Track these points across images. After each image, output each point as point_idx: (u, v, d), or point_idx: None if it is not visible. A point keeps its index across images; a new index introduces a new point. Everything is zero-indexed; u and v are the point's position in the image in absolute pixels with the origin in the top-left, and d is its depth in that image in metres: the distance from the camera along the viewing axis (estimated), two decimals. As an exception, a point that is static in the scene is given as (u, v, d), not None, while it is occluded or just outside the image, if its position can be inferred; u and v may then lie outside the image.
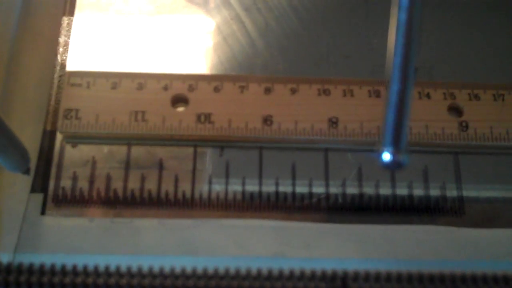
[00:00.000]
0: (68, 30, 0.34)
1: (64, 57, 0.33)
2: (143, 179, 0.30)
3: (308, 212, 0.30)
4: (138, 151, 0.30)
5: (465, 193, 0.30)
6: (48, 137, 0.31)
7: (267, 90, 0.32)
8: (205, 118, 0.31)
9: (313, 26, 0.35)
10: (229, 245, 0.28)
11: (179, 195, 0.30)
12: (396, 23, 0.19)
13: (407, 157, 0.21)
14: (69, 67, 0.32)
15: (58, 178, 0.30)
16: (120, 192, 0.29)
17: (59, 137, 0.31)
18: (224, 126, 0.30)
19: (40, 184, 0.30)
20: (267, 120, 0.31)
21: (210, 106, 0.31)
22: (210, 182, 0.30)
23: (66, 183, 0.29)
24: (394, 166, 0.21)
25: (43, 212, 0.29)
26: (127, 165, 0.30)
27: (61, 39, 0.33)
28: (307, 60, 0.34)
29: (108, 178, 0.30)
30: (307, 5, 0.36)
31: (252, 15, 0.35)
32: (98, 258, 0.27)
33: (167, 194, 0.29)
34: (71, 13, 0.34)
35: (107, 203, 0.29)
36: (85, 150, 0.30)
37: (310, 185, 0.30)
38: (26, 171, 0.27)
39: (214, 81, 0.32)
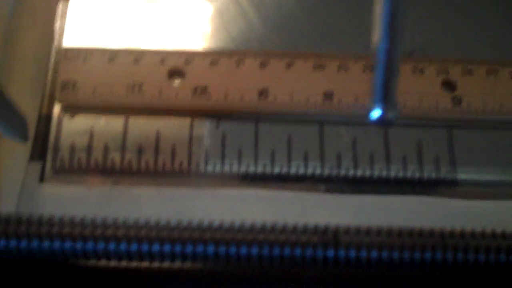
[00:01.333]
0: (65, 6, 0.34)
1: (61, 32, 0.33)
2: (140, 149, 0.30)
3: (303, 182, 0.30)
4: (135, 122, 0.31)
5: (459, 165, 0.31)
6: (46, 108, 0.31)
7: (263, 64, 0.32)
8: (201, 91, 0.31)
9: (308, 2, 0.35)
10: (225, 213, 0.29)
11: (176, 165, 0.30)
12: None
13: (396, 114, 0.21)
14: (66, 43, 0.33)
15: (56, 147, 0.30)
16: (117, 162, 0.30)
17: (57, 108, 0.31)
18: (220, 98, 0.31)
19: (38, 153, 0.30)
20: (262, 93, 0.31)
21: (206, 79, 0.31)
22: (206, 153, 0.30)
23: (64, 152, 0.30)
24: (383, 122, 0.21)
25: (41, 180, 0.29)
26: (124, 135, 0.30)
27: (58, 14, 0.34)
28: (302, 36, 0.34)
29: (106, 148, 0.30)
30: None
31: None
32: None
33: (164, 164, 0.30)
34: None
35: (105, 172, 0.29)
36: (83, 121, 0.31)
37: (306, 158, 0.30)
38: (24, 138, 0.28)
39: (210, 55, 0.32)
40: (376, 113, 0.21)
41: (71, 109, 0.31)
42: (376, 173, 0.30)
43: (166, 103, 0.31)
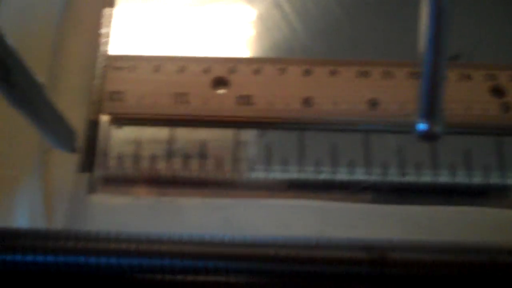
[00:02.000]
0: (110, 16, 0.35)
1: (107, 43, 0.34)
2: (186, 159, 0.30)
3: (350, 193, 0.30)
4: (181, 133, 0.31)
5: (509, 174, 0.30)
6: (94, 118, 0.31)
7: (307, 72, 0.32)
8: (245, 100, 0.31)
9: (352, 8, 0.35)
10: (271, 224, 0.29)
11: (222, 175, 0.30)
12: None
13: (443, 128, 0.21)
14: (112, 51, 0.33)
15: (104, 158, 0.30)
16: (164, 172, 0.30)
17: (104, 119, 0.31)
18: (265, 108, 0.31)
19: (87, 164, 0.30)
20: (307, 102, 0.31)
21: (250, 88, 0.31)
22: (251, 162, 0.30)
23: (112, 163, 0.30)
24: (429, 137, 0.21)
25: (90, 191, 0.30)
26: (170, 146, 0.31)
27: (104, 25, 0.34)
28: (346, 43, 0.34)
29: (152, 159, 0.30)
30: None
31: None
32: (143, 235, 0.28)
33: (209, 173, 0.30)
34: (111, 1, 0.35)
35: (152, 182, 0.30)
36: (130, 131, 0.31)
37: (352, 167, 0.30)
38: (74, 150, 0.28)
39: (254, 63, 0.32)
40: (421, 128, 0.21)
41: (118, 119, 0.31)
42: (423, 182, 0.30)
43: (211, 113, 0.31)
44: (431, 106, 0.21)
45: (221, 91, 0.31)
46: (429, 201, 0.29)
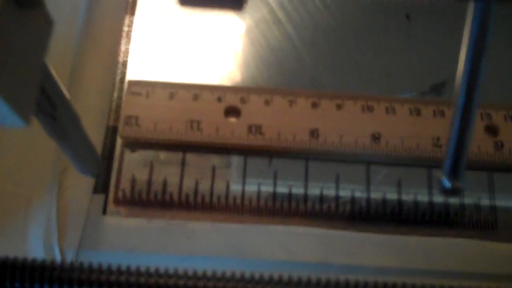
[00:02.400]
0: (128, 40, 0.36)
1: (124, 69, 0.35)
2: (197, 184, 0.32)
3: (351, 220, 0.32)
4: (192, 158, 0.32)
5: (498, 208, 0.32)
6: (109, 141, 0.33)
7: (314, 105, 0.33)
8: (256, 129, 0.33)
9: (357, 44, 0.37)
10: (276, 250, 0.30)
11: (230, 200, 0.32)
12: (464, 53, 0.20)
13: (465, 184, 0.23)
14: (129, 76, 0.35)
15: (118, 180, 0.32)
16: (175, 196, 0.31)
17: (119, 141, 0.33)
18: (274, 137, 0.32)
19: (101, 185, 0.32)
20: (313, 133, 0.33)
21: (260, 118, 0.33)
22: (259, 189, 0.32)
23: (125, 185, 0.32)
24: (453, 193, 0.23)
25: (104, 212, 0.31)
26: (182, 170, 0.32)
27: (122, 48, 0.36)
28: (351, 76, 0.36)
29: (165, 182, 0.32)
30: (352, 24, 0.37)
31: (300, 33, 0.37)
32: (155, 257, 0.30)
33: (219, 198, 0.32)
34: (130, 24, 0.36)
35: (164, 205, 0.31)
36: (144, 155, 0.32)
37: (353, 196, 0.32)
38: (95, 175, 0.29)
39: (264, 94, 0.34)
40: (446, 185, 0.22)
41: (133, 144, 0.32)
42: (420, 213, 0.32)
43: (222, 140, 0.32)
44: (456, 166, 0.23)
45: (233, 119, 0.33)
46: (423, 231, 0.31)
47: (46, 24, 0.20)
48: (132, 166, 0.32)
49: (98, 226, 0.30)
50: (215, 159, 0.32)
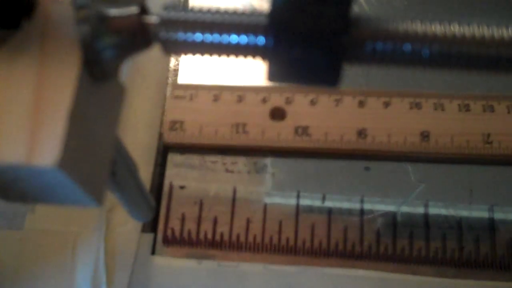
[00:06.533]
0: (175, 73, 0.35)
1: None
2: (248, 222, 0.30)
3: (406, 263, 0.30)
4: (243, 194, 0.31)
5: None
6: (157, 179, 0.32)
7: (361, 103, 0.33)
8: (302, 130, 0.32)
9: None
10: None
11: (283, 240, 0.30)
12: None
13: None
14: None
15: (167, 219, 0.30)
16: (226, 235, 0.30)
17: (167, 179, 0.31)
18: (321, 139, 0.32)
19: (150, 225, 0.31)
20: (361, 133, 0.32)
21: (307, 119, 0.32)
22: (312, 231, 0.30)
23: (174, 224, 0.30)
24: None
25: (153, 252, 0.30)
26: (233, 208, 0.31)
27: (169, 81, 0.34)
28: (399, 73, 0.34)
29: (215, 221, 0.30)
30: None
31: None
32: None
33: (271, 239, 0.30)
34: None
35: (214, 245, 0.30)
36: (193, 192, 0.31)
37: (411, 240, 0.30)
38: (147, 220, 0.27)
39: (310, 94, 0.33)
40: None
41: (178, 149, 0.32)
42: (482, 257, 0.30)
43: (269, 143, 0.32)
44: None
45: (278, 121, 0.32)
46: (487, 276, 0.30)
47: (118, 93, 0.19)
48: (181, 203, 0.31)
49: (147, 267, 0.30)
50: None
